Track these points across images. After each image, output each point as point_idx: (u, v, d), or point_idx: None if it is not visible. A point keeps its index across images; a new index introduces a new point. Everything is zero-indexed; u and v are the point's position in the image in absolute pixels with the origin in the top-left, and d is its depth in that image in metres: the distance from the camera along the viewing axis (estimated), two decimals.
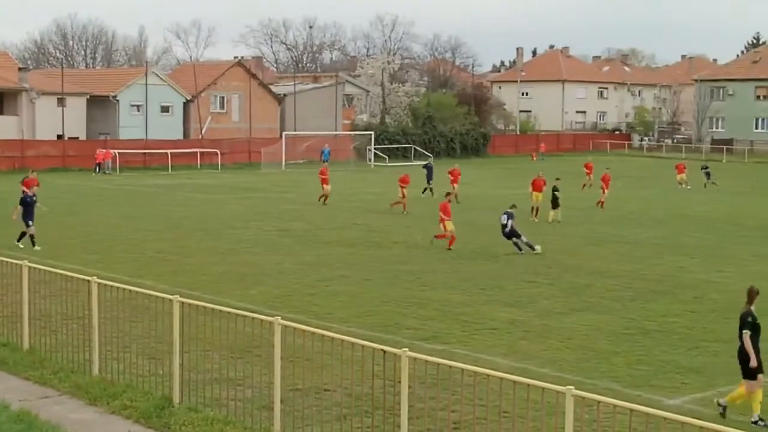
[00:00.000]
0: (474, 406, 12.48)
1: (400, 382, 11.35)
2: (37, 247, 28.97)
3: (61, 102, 72.20)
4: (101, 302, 15.35)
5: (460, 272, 26.56)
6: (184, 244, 31.66)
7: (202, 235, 33.97)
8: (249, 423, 12.94)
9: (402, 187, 43.11)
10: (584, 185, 54.44)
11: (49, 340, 16.54)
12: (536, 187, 41.35)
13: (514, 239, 30.52)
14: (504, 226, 30.72)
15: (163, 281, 23.61)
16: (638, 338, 19.05)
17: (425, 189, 49.57)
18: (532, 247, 30.29)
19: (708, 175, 59.56)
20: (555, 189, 39.26)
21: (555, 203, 39.31)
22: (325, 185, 44.73)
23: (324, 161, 69.45)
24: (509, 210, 30.97)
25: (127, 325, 16.94)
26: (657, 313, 21.42)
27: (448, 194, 34.31)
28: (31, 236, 29.64)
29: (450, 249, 30.65)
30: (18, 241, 29.51)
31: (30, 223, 29.71)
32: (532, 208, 40.19)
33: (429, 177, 50.29)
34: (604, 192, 46.04)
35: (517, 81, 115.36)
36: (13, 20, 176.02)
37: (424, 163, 55.42)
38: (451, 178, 47.95)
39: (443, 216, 31.66)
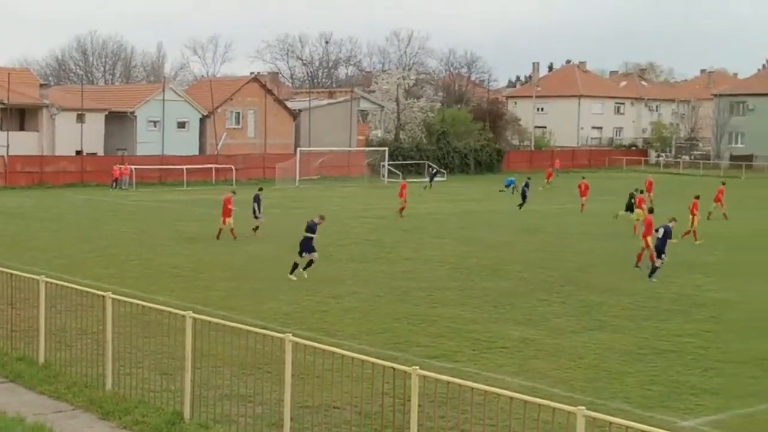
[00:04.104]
0: (484, 425, 12.49)
1: (410, 400, 11.38)
2: None
3: (80, 118, 72.64)
4: (115, 317, 15.46)
5: (471, 289, 26.56)
6: (197, 259, 31.79)
7: (215, 250, 34.09)
8: None
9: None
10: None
11: (64, 355, 16.66)
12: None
13: (661, 257, 29.16)
14: (659, 239, 29.40)
15: (177, 297, 23.73)
16: (651, 358, 18.98)
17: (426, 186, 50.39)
18: (653, 272, 29.01)
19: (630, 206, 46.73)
20: (632, 196, 44.27)
21: (630, 208, 43.67)
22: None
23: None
24: (668, 224, 30.02)
25: (140, 340, 17.03)
26: (671, 333, 21.33)
27: (672, 219, 31.07)
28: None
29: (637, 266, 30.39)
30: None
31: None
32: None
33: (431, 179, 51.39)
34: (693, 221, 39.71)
35: (532, 96, 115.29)
36: (36, 37, 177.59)
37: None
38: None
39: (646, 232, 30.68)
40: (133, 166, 68.08)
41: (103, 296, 15.45)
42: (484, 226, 43.23)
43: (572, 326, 21.83)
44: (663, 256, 29.12)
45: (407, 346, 19.36)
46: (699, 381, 17.34)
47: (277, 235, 37.88)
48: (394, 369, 11.80)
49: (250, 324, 15.98)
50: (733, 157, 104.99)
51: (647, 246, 30.35)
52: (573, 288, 26.96)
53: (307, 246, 27.94)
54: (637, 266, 30.49)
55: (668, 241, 29.49)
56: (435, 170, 75.54)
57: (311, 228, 28.09)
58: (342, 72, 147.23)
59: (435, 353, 18.81)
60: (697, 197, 39.76)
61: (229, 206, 37.09)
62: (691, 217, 38.80)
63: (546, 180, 71.59)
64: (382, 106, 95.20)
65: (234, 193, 39.37)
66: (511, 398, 10.97)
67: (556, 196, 63.01)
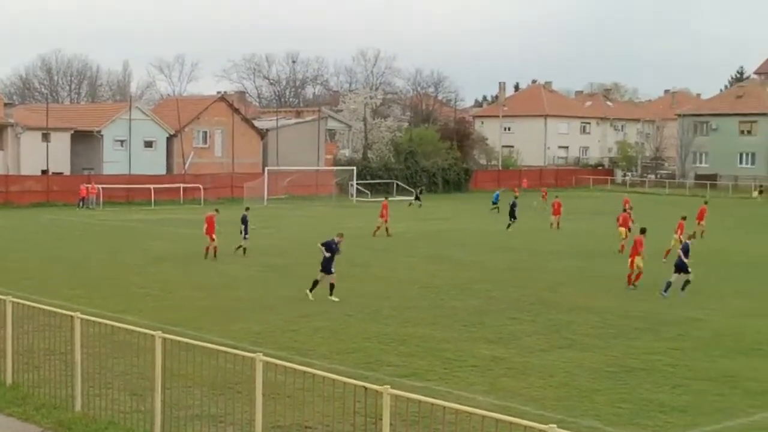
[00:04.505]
0: None
1: (381, 419, 11.35)
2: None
3: (45, 137, 72.20)
4: (84, 338, 15.34)
5: (442, 308, 26.59)
6: (166, 279, 31.63)
7: (184, 270, 33.94)
8: None
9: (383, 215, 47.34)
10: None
11: (32, 376, 16.51)
12: (556, 211, 52.94)
13: (679, 274, 29.56)
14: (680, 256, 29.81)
15: (146, 317, 23.57)
16: (621, 376, 19.05)
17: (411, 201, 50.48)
18: (666, 289, 29.37)
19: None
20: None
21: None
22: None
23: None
24: (687, 241, 30.70)
25: (109, 361, 16.90)
26: (640, 351, 21.43)
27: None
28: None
29: (634, 286, 30.53)
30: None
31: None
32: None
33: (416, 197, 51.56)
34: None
35: (499, 116, 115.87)
36: None
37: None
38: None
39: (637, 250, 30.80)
40: (100, 186, 67.75)
41: (72, 316, 15.33)
42: (454, 245, 43.33)
43: (542, 345, 21.89)
44: (688, 272, 29.51)
45: (378, 366, 19.34)
46: (668, 398, 17.43)
47: (245, 255, 37.77)
48: (365, 388, 11.77)
49: (221, 344, 15.90)
50: (697, 176, 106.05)
51: (631, 266, 30.70)
52: (542, 307, 27.04)
53: (326, 266, 27.68)
54: (632, 286, 30.73)
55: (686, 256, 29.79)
56: (420, 189, 75.55)
57: (329, 247, 27.76)
58: (309, 91, 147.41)
59: (406, 372, 18.80)
60: (684, 218, 40.24)
61: (213, 225, 36.99)
62: (675, 236, 39.08)
63: (542, 198, 71.26)
64: (350, 126, 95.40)
65: (217, 211, 39.25)
66: (483, 417, 10.96)
67: (524, 216, 63.26)
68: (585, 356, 20.73)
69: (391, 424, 11.33)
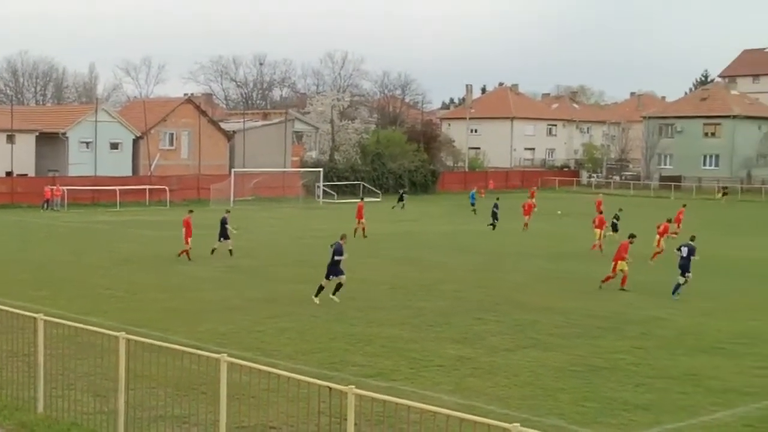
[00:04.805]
0: None
1: (346, 419, 11.35)
2: None
3: (10, 139, 71.67)
4: (47, 339, 15.23)
5: (408, 309, 26.62)
6: (132, 280, 31.47)
7: (150, 271, 33.78)
8: None
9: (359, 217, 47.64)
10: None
11: None
12: (526, 212, 53.36)
13: (685, 275, 29.85)
14: (683, 257, 30.15)
15: (111, 318, 23.44)
16: (585, 375, 19.16)
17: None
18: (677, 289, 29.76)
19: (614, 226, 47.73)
20: (616, 217, 46.48)
21: (615, 228, 45.52)
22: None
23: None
24: (690, 243, 30.82)
25: (72, 362, 16.78)
26: (604, 350, 21.56)
27: (632, 236, 32.79)
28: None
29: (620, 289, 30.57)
30: None
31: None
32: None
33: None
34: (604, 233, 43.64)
35: (466, 118, 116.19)
36: None
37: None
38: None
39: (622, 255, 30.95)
40: (65, 187, 67.28)
41: (35, 318, 15.22)
42: (421, 247, 43.40)
43: (507, 344, 21.98)
44: (688, 274, 29.86)
45: (343, 366, 19.34)
46: (631, 397, 17.55)
47: (211, 257, 37.65)
48: (330, 388, 11.77)
49: (186, 345, 15.85)
50: (662, 178, 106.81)
51: (614, 270, 30.89)
52: (508, 307, 27.15)
53: (335, 269, 27.48)
54: (601, 285, 30.93)
55: (692, 258, 30.14)
56: (402, 191, 75.27)
57: (338, 251, 27.55)
58: (276, 93, 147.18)
59: (371, 372, 18.81)
60: (669, 220, 41.07)
61: (190, 228, 36.82)
62: (657, 238, 39.60)
63: (530, 198, 71.21)
64: (317, 128, 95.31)
65: (191, 212, 39.14)
66: (448, 416, 10.99)
67: (486, 217, 63.52)
68: (549, 355, 20.84)
69: (355, 424, 11.34)
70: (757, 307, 28.12)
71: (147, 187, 72.27)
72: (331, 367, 19.10)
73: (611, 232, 44.83)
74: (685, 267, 30.01)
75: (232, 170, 77.48)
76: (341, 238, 28.29)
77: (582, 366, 19.90)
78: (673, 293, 29.55)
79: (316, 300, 27.11)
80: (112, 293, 28.67)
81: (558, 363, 20.12)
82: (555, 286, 31.58)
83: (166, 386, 15.52)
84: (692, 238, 31.54)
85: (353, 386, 11.49)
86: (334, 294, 27.27)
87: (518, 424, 9.89)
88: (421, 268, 35.94)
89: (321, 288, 27.38)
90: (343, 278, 27.51)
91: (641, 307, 27.66)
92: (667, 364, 20.30)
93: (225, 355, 12.82)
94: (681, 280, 29.85)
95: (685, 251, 30.39)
